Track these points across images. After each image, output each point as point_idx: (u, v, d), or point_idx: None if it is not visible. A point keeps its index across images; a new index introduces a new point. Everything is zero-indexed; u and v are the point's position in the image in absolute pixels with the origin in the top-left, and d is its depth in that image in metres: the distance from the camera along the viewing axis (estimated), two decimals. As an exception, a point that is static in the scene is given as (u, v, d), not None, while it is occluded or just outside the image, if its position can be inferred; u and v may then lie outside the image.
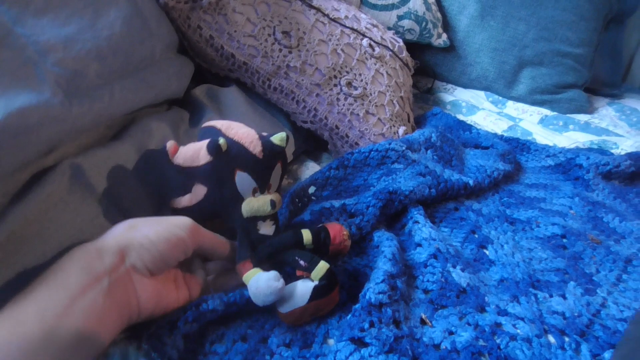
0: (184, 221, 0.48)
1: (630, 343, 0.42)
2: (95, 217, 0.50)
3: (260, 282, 0.46)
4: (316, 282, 0.48)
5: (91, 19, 0.55)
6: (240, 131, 0.53)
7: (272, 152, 0.54)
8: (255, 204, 0.52)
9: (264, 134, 0.55)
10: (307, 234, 0.53)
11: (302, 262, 0.50)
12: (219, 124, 0.54)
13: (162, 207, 0.55)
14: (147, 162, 0.58)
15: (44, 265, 0.42)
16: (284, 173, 0.58)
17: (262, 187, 0.53)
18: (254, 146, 0.52)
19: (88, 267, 0.39)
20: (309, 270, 0.49)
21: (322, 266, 0.49)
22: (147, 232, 0.44)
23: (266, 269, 0.49)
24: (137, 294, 0.43)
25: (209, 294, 0.52)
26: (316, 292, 0.48)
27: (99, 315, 0.38)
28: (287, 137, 0.56)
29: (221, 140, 0.50)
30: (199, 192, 0.52)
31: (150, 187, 0.56)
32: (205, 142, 0.50)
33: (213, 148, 0.49)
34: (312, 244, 0.53)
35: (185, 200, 0.53)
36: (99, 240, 0.43)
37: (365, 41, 0.91)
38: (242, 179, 0.51)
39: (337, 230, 0.55)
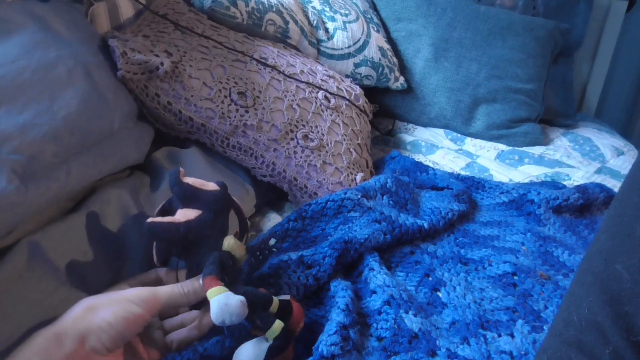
0: (139, 294, 0.49)
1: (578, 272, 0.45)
2: (55, 291, 0.52)
3: (231, 300, 0.47)
4: (270, 342, 0.50)
5: (47, 103, 0.58)
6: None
7: (246, 224, 0.64)
8: (237, 243, 0.57)
9: None
10: (276, 303, 0.54)
11: (258, 322, 0.51)
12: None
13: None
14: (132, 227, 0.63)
15: (5, 351, 0.44)
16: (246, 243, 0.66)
17: (242, 233, 0.62)
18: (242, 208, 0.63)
19: (47, 354, 0.41)
20: (263, 329, 0.51)
21: (277, 326, 0.50)
22: (104, 315, 0.45)
23: None
24: None
25: (168, 353, 0.54)
26: (271, 351, 0.50)
27: None
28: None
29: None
30: (189, 214, 0.55)
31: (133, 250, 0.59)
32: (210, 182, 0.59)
33: (221, 184, 0.59)
34: (277, 315, 0.53)
35: (168, 218, 0.54)
36: (57, 324, 0.44)
37: (320, 94, 0.96)
38: (232, 219, 0.60)
39: (300, 311, 0.55)
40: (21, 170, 0.51)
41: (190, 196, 0.56)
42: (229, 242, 0.56)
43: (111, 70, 0.74)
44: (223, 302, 0.47)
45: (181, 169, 0.58)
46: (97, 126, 0.64)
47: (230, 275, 0.54)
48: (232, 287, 0.52)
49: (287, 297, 0.56)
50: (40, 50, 0.62)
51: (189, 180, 0.57)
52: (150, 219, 0.54)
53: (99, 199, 0.61)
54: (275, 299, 0.54)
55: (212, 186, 0.58)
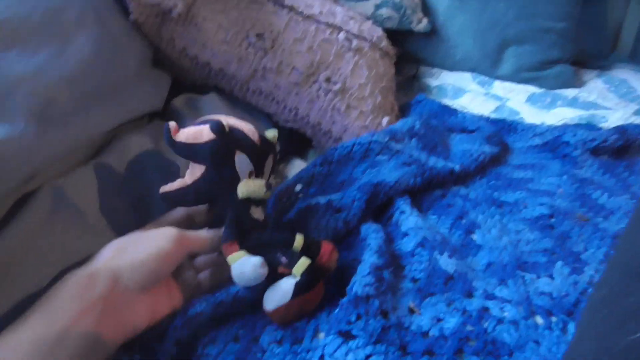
0: (170, 232, 0.48)
1: (581, 326, 0.43)
2: (81, 235, 0.51)
3: (246, 266, 0.47)
4: (298, 278, 0.49)
5: (60, 47, 0.56)
6: (237, 122, 0.56)
7: (267, 144, 0.58)
8: (252, 185, 0.53)
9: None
10: (299, 240, 0.53)
11: (283, 259, 0.51)
12: (215, 117, 0.55)
13: (148, 212, 0.55)
14: (138, 165, 0.59)
15: (37, 293, 0.43)
16: (274, 167, 0.61)
17: (257, 171, 0.56)
18: (253, 133, 0.55)
19: (81, 295, 0.40)
20: (289, 266, 0.50)
21: (303, 262, 0.50)
22: (136, 253, 0.45)
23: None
24: (132, 315, 0.44)
25: (201, 293, 0.53)
26: (298, 288, 0.49)
27: (93, 341, 0.39)
28: (278, 135, 0.60)
29: (224, 122, 0.52)
30: (195, 171, 0.53)
31: (140, 190, 0.57)
32: (207, 124, 0.52)
33: (216, 127, 0.51)
34: (301, 252, 0.53)
35: (177, 183, 0.53)
36: (90, 265, 0.44)
37: (341, 35, 0.91)
38: (241, 160, 0.53)
39: (329, 250, 0.54)
40: (38, 115, 0.49)
41: (188, 154, 0.53)
42: (243, 189, 0.53)
43: (123, 15, 0.70)
44: (239, 270, 0.47)
45: (172, 124, 0.52)
46: (113, 71, 0.62)
47: (252, 224, 0.54)
48: (253, 240, 0.52)
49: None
50: (45, -9, 0.59)
51: (182, 135, 0.52)
52: (162, 189, 0.54)
53: (121, 145, 0.59)
54: (299, 237, 0.53)
55: (206, 135, 0.52)
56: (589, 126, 1.05)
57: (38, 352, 0.36)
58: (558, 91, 1.26)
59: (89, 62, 0.59)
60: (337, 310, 0.50)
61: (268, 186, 0.54)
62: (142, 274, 0.44)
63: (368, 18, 1.19)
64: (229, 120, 0.55)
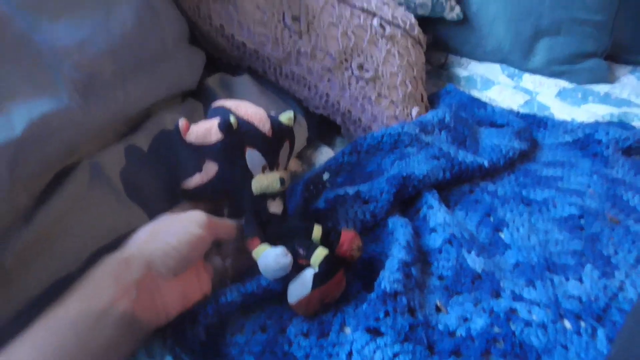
0: (199, 217, 0.49)
1: (625, 334, 0.42)
2: (115, 214, 0.51)
3: (268, 258, 0.48)
4: (316, 269, 0.49)
5: (104, 18, 0.55)
6: (250, 110, 0.54)
7: (281, 131, 0.55)
8: (264, 181, 0.52)
9: (272, 113, 0.56)
10: (317, 230, 0.53)
11: (300, 251, 0.50)
12: (228, 103, 0.55)
13: (175, 189, 0.56)
14: (161, 143, 0.59)
15: (72, 274, 0.44)
16: (292, 152, 0.59)
17: (271, 164, 0.54)
18: (263, 124, 0.53)
19: (118, 278, 0.41)
20: (307, 257, 0.50)
21: (320, 252, 0.49)
22: (168, 238, 0.45)
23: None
24: (164, 300, 0.44)
25: (228, 278, 0.54)
26: (317, 280, 0.48)
27: (130, 321, 0.40)
28: (295, 116, 0.58)
29: (232, 119, 0.51)
30: (210, 169, 0.53)
31: (164, 167, 0.57)
32: (216, 120, 0.51)
33: (224, 126, 0.50)
34: (320, 242, 0.53)
35: (196, 179, 0.54)
36: (125, 249, 0.44)
37: (375, 21, 0.90)
38: (252, 156, 0.53)
39: (349, 238, 0.53)
40: (82, 88, 0.50)
41: (199, 154, 0.52)
42: (256, 185, 0.53)
43: (164, -12, 0.70)
44: (263, 262, 0.48)
45: (182, 122, 0.51)
46: (152, 44, 0.62)
47: (270, 218, 0.54)
48: (272, 233, 0.52)
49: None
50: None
51: (192, 135, 0.51)
52: (182, 185, 0.54)
53: (155, 123, 0.60)
54: (317, 227, 0.53)
55: (214, 134, 0.51)
56: (622, 124, 1.03)
57: (78, 332, 0.37)
58: (589, 86, 1.23)
59: (131, 34, 0.58)
60: (364, 306, 0.50)
61: (282, 180, 0.53)
62: (175, 259, 0.45)
63: (401, 4, 1.17)
64: (240, 110, 0.53)
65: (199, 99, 0.72)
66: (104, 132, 0.55)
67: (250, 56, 0.76)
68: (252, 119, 0.53)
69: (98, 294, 0.40)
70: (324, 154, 0.82)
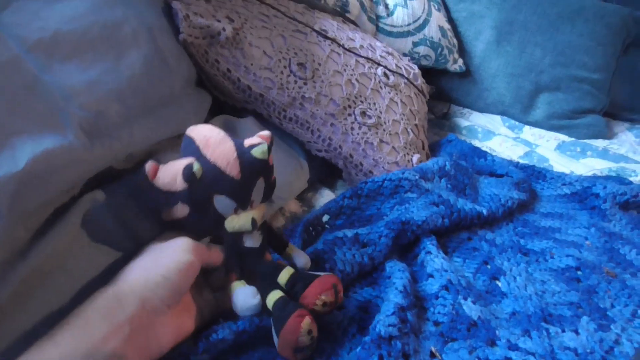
0: (186, 243, 0.49)
1: None
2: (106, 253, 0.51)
3: (239, 296, 0.49)
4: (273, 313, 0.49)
5: (114, 61, 0.57)
6: (217, 151, 0.50)
7: (252, 170, 0.52)
8: (237, 222, 0.51)
9: (245, 145, 0.53)
10: (285, 273, 0.52)
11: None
12: (198, 136, 0.52)
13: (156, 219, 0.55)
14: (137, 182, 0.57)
15: (61, 310, 0.44)
16: (270, 185, 0.55)
17: (243, 205, 0.52)
18: (231, 168, 0.50)
19: (110, 316, 0.40)
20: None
21: (272, 296, 0.49)
22: (158, 269, 0.45)
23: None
24: (158, 335, 0.44)
25: (218, 310, 0.53)
26: (275, 324, 0.48)
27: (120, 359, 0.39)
28: (270, 144, 0.54)
29: (195, 168, 0.48)
30: (182, 210, 0.51)
31: (138, 202, 0.56)
32: (182, 165, 0.49)
33: (188, 176, 0.48)
34: (285, 288, 0.51)
35: (178, 211, 0.52)
36: (116, 285, 0.44)
37: (380, 70, 0.93)
38: (221, 202, 0.51)
39: (315, 291, 0.50)
40: (88, 127, 0.51)
41: (166, 201, 0.50)
42: (229, 226, 0.52)
43: (173, 34, 0.73)
44: (234, 300, 0.49)
45: (148, 166, 0.49)
46: (159, 89, 0.63)
47: (247, 252, 0.53)
48: (251, 267, 0.53)
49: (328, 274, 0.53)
50: (107, 8, 0.62)
51: (159, 180, 0.49)
52: (163, 216, 0.52)
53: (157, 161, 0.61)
54: (287, 270, 0.52)
55: (179, 183, 0.49)
56: (619, 179, 1.04)
57: None
58: (588, 141, 1.25)
59: (139, 78, 0.60)
60: (359, 349, 0.49)
61: (253, 223, 0.51)
62: (167, 289, 0.44)
63: (405, 54, 1.21)
64: (207, 149, 0.50)
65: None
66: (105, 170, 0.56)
67: (255, 99, 0.78)
68: (218, 163, 0.50)
69: (88, 331, 0.39)
70: (325, 197, 0.83)
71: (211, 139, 0.51)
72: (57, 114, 0.49)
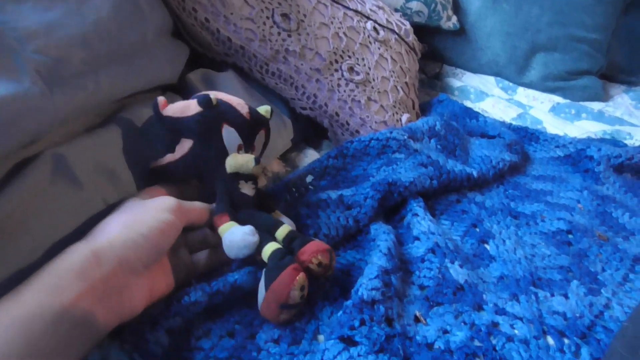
0: (168, 202, 0.47)
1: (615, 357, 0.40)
2: (80, 207, 0.48)
3: (235, 235, 0.47)
4: (267, 264, 0.47)
5: (77, 3, 0.52)
6: (228, 96, 0.55)
7: (258, 118, 0.56)
8: (240, 159, 0.52)
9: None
10: (283, 229, 0.51)
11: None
12: (207, 93, 0.55)
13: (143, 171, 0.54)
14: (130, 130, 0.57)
15: (30, 267, 0.41)
16: (267, 142, 0.60)
17: (247, 146, 0.55)
18: (242, 107, 0.54)
19: (85, 273, 0.38)
20: (259, 251, 0.48)
21: (270, 246, 0.48)
22: (138, 228, 0.43)
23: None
24: (132, 296, 0.41)
25: (196, 273, 0.51)
26: (267, 276, 0.46)
27: (89, 325, 0.37)
28: (272, 111, 0.59)
29: (212, 95, 0.52)
30: (184, 146, 0.52)
31: (133, 153, 0.55)
32: (195, 98, 0.52)
33: (203, 100, 0.51)
34: (282, 243, 0.50)
35: (168, 157, 0.53)
36: (94, 242, 0.41)
37: (369, 24, 0.88)
38: (229, 134, 0.53)
39: (312, 250, 0.49)
40: (46, 73, 0.46)
41: (175, 128, 0.52)
42: (231, 163, 0.52)
43: (146, -21, 0.67)
44: (229, 238, 0.47)
45: (161, 98, 0.51)
46: (129, 36, 0.59)
47: (241, 199, 0.53)
48: (243, 213, 0.51)
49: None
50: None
51: (170, 110, 0.52)
52: (152, 164, 0.54)
53: (129, 117, 0.57)
54: (286, 227, 0.51)
55: (193, 108, 0.51)
56: (614, 142, 1.02)
57: (31, 331, 0.33)
58: (583, 103, 1.22)
59: (106, 23, 0.55)
60: (340, 313, 0.47)
61: (257, 160, 0.52)
62: (147, 249, 0.42)
63: (397, 10, 1.16)
64: (218, 95, 0.54)
65: (179, 93, 0.69)
66: (71, 122, 0.52)
67: (235, 52, 0.74)
68: (231, 101, 0.54)
69: (60, 289, 0.36)
70: (310, 157, 0.80)
71: (220, 93, 0.56)
72: (10, 58, 0.44)
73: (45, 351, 0.33)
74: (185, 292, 0.46)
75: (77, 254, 0.39)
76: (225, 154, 0.53)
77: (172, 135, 0.53)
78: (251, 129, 0.55)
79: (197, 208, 0.51)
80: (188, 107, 0.51)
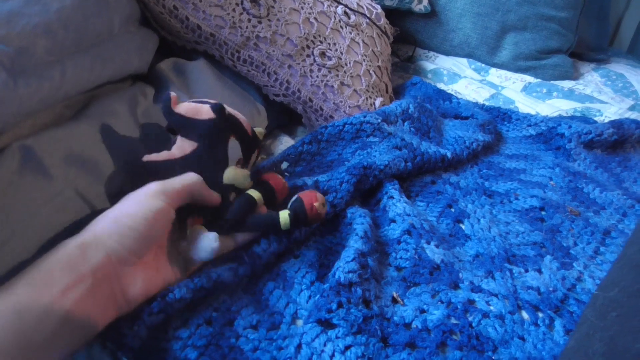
0: (152, 188, 0.45)
1: (585, 326, 0.41)
2: (49, 200, 0.47)
3: (200, 239, 0.48)
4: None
5: (39, -8, 0.51)
6: (235, 111, 0.56)
7: (257, 138, 0.58)
8: (239, 173, 0.53)
9: None
10: (284, 217, 0.51)
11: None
12: (220, 103, 0.55)
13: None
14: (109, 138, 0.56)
15: (27, 261, 0.40)
16: (256, 162, 0.62)
17: (246, 160, 0.56)
18: (247, 125, 0.56)
19: (71, 267, 0.37)
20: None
21: (284, 216, 0.51)
22: (123, 219, 0.42)
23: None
24: (125, 288, 0.41)
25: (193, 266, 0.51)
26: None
27: (79, 315, 0.36)
28: (264, 133, 0.61)
29: (227, 108, 0.54)
30: (186, 147, 0.51)
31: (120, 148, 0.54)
32: (206, 104, 0.52)
33: (218, 108, 0.52)
34: (290, 225, 0.51)
35: (164, 154, 0.52)
36: (82, 236, 0.40)
37: (340, 9, 0.88)
38: (234, 146, 0.54)
39: (311, 199, 0.52)
40: (9, 63, 0.45)
41: (184, 127, 0.52)
42: (229, 175, 0.52)
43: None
44: (192, 240, 0.48)
45: (173, 94, 0.51)
46: (95, 25, 0.57)
47: (229, 207, 0.53)
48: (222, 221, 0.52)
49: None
50: None
51: (182, 108, 0.51)
52: (146, 157, 0.52)
53: (100, 109, 0.56)
54: (283, 213, 0.52)
55: (206, 113, 0.52)
56: (584, 119, 1.04)
57: (21, 323, 0.33)
58: (554, 82, 1.24)
59: (70, 11, 0.54)
60: (317, 297, 0.48)
61: (252, 178, 0.55)
62: (133, 239, 0.41)
63: (368, -7, 1.15)
64: (227, 108, 0.55)
65: (150, 83, 0.68)
66: (38, 113, 0.50)
67: (205, 40, 0.72)
68: (238, 117, 0.55)
69: (48, 283, 0.36)
70: (284, 144, 0.80)
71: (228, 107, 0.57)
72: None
73: (35, 344, 0.34)
74: (169, 290, 0.46)
75: (64, 248, 0.39)
76: (226, 164, 0.53)
77: (178, 131, 0.52)
78: (251, 147, 0.57)
79: (185, 184, 0.48)
80: (200, 111, 0.51)
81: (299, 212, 0.51)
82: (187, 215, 0.50)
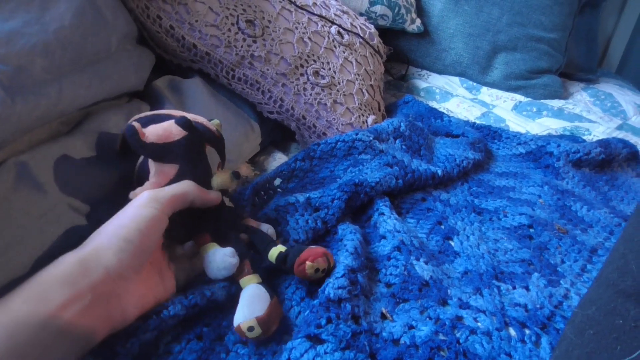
0: (142, 197, 0.45)
1: (565, 343, 0.42)
2: (44, 215, 0.48)
3: (216, 256, 0.48)
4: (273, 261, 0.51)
5: (38, 12, 0.52)
6: (194, 115, 0.55)
7: (220, 134, 0.57)
8: (225, 176, 0.53)
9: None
10: (272, 254, 0.52)
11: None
12: (163, 112, 0.55)
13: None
14: (105, 147, 0.57)
15: (24, 277, 0.40)
16: (248, 180, 0.63)
17: (222, 162, 0.56)
18: (209, 125, 0.55)
19: (71, 282, 0.38)
20: (265, 251, 0.52)
21: (275, 249, 0.51)
22: (118, 232, 0.42)
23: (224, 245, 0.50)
24: (123, 304, 0.41)
25: (194, 273, 0.52)
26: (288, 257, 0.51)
27: (76, 331, 0.37)
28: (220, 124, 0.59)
29: (188, 116, 0.51)
30: (167, 170, 0.50)
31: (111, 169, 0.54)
32: (170, 121, 0.50)
33: (184, 123, 0.50)
34: (275, 262, 0.52)
35: (149, 185, 0.50)
36: (82, 251, 0.41)
37: (333, 29, 0.90)
38: (211, 153, 0.53)
39: (308, 257, 0.51)
40: (7, 82, 0.46)
41: (160, 153, 0.50)
42: (217, 181, 0.53)
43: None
44: (209, 260, 0.48)
45: (135, 124, 0.48)
46: (93, 44, 0.58)
47: (228, 213, 0.54)
48: (228, 233, 0.52)
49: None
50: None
51: (152, 135, 0.49)
52: (132, 194, 0.49)
53: (95, 124, 0.57)
54: (277, 248, 0.52)
55: (177, 132, 0.50)
56: (573, 138, 1.06)
57: (19, 335, 0.33)
58: (544, 101, 1.26)
59: (68, 31, 0.55)
60: (307, 312, 0.48)
61: (237, 175, 0.54)
62: (129, 252, 0.41)
63: (361, 14, 1.17)
64: (187, 115, 0.53)
65: (146, 100, 0.69)
66: (34, 130, 0.51)
67: (201, 58, 0.74)
68: (199, 120, 0.54)
69: (47, 297, 0.36)
70: (278, 160, 0.81)
71: (173, 111, 0.55)
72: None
73: (30, 357, 0.34)
74: (163, 307, 0.46)
75: (63, 263, 0.39)
76: (210, 173, 0.53)
77: (153, 159, 0.51)
78: (222, 145, 0.56)
79: (178, 189, 0.48)
80: (170, 131, 0.50)
81: (288, 258, 0.51)
82: (189, 233, 0.51)
